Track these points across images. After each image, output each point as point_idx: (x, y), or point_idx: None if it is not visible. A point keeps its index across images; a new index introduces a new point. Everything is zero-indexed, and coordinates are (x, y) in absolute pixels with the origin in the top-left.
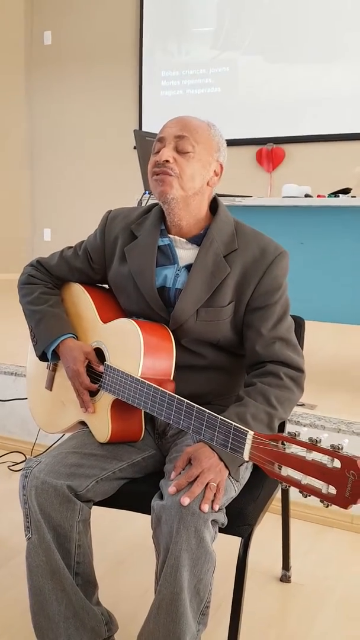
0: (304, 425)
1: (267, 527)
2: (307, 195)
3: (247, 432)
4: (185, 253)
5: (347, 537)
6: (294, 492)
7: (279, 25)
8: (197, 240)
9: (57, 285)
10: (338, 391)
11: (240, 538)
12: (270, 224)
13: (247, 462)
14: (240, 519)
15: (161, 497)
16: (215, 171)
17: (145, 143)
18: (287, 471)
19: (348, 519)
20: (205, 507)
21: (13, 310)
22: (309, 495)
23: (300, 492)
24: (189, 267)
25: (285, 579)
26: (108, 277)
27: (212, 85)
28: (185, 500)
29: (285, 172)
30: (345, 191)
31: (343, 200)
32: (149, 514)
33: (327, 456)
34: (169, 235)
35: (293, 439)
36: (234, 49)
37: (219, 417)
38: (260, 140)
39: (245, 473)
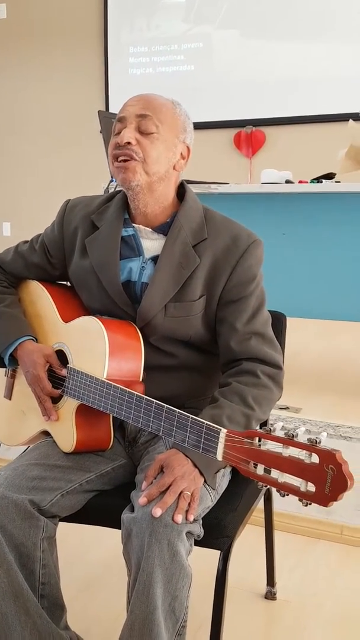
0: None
1: (250, 541)
2: (287, 181)
3: (220, 430)
4: (151, 244)
5: (336, 549)
6: (277, 503)
7: None
8: (163, 229)
9: (12, 283)
10: (324, 393)
11: (219, 552)
12: (249, 213)
13: (224, 468)
14: (218, 531)
15: (132, 510)
16: (181, 154)
17: (111, 125)
18: (262, 469)
19: (337, 530)
20: (179, 518)
21: None
22: (287, 494)
23: (277, 491)
24: (155, 259)
25: (270, 595)
26: (69, 272)
27: (185, 63)
28: (157, 511)
29: (267, 157)
30: (329, 176)
31: (326, 186)
32: (119, 528)
33: (304, 451)
34: (134, 225)
35: (268, 434)
36: (207, 22)
37: (190, 416)
38: (239, 122)
39: (222, 481)
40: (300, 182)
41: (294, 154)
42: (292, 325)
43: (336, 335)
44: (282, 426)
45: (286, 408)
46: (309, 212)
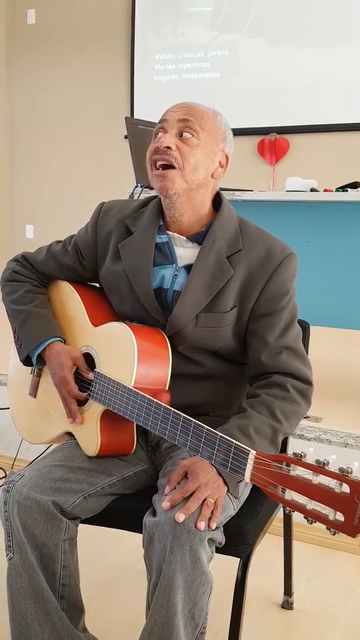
0: (309, 439)
1: (268, 550)
2: (312, 190)
3: (249, 451)
4: (185, 252)
5: (353, 560)
6: (297, 514)
7: (284, 6)
8: (198, 238)
9: (43, 283)
10: (345, 403)
11: (239, 559)
12: (272, 221)
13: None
14: (238, 538)
15: (154, 514)
16: (220, 162)
17: (137, 131)
18: (291, 495)
19: (355, 541)
20: (202, 525)
21: None
22: (315, 522)
23: (305, 517)
24: (188, 268)
25: (287, 605)
26: (99, 275)
27: (211, 70)
28: (180, 517)
29: (290, 164)
30: (354, 185)
31: (351, 195)
32: (140, 532)
33: (335, 480)
34: (168, 232)
35: (299, 460)
36: (234, 30)
37: (219, 434)
38: (263, 130)
39: (244, 490)
40: (325, 190)
41: (317, 162)
42: (313, 333)
43: (358, 344)
44: (303, 454)
45: (307, 417)
46: (333, 220)
